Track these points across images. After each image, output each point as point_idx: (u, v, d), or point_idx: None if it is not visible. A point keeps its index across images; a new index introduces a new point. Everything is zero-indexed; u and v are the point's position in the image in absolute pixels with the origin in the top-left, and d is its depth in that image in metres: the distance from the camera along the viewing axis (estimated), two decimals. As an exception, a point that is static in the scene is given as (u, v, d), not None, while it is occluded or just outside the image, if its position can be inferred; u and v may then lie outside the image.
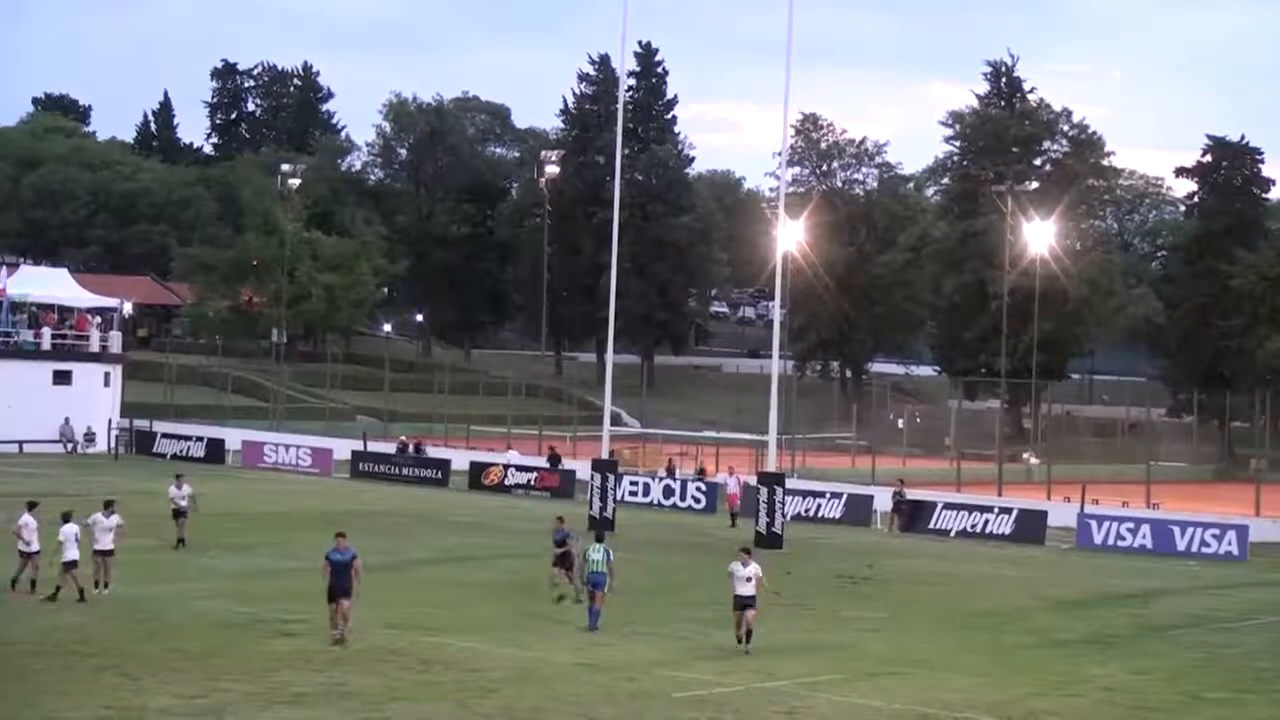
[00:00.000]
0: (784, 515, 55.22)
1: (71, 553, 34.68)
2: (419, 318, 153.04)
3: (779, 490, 55.23)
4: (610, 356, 64.58)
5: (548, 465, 74.38)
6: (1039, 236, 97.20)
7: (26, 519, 35.83)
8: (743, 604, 31.31)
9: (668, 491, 68.07)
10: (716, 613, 35.09)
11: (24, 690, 26.52)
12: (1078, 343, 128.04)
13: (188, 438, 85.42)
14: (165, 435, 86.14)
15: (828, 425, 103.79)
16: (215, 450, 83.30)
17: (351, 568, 30.39)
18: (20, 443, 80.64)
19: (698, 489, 67.54)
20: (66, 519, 35.34)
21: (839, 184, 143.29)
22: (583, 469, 66.17)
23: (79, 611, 34.01)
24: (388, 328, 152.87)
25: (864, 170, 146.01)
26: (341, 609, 30.11)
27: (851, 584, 44.47)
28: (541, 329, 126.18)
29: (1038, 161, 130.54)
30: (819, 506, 64.02)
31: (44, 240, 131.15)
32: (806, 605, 35.14)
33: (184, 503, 45.72)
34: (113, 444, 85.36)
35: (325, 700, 26.21)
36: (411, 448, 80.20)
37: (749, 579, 31.29)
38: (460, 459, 77.71)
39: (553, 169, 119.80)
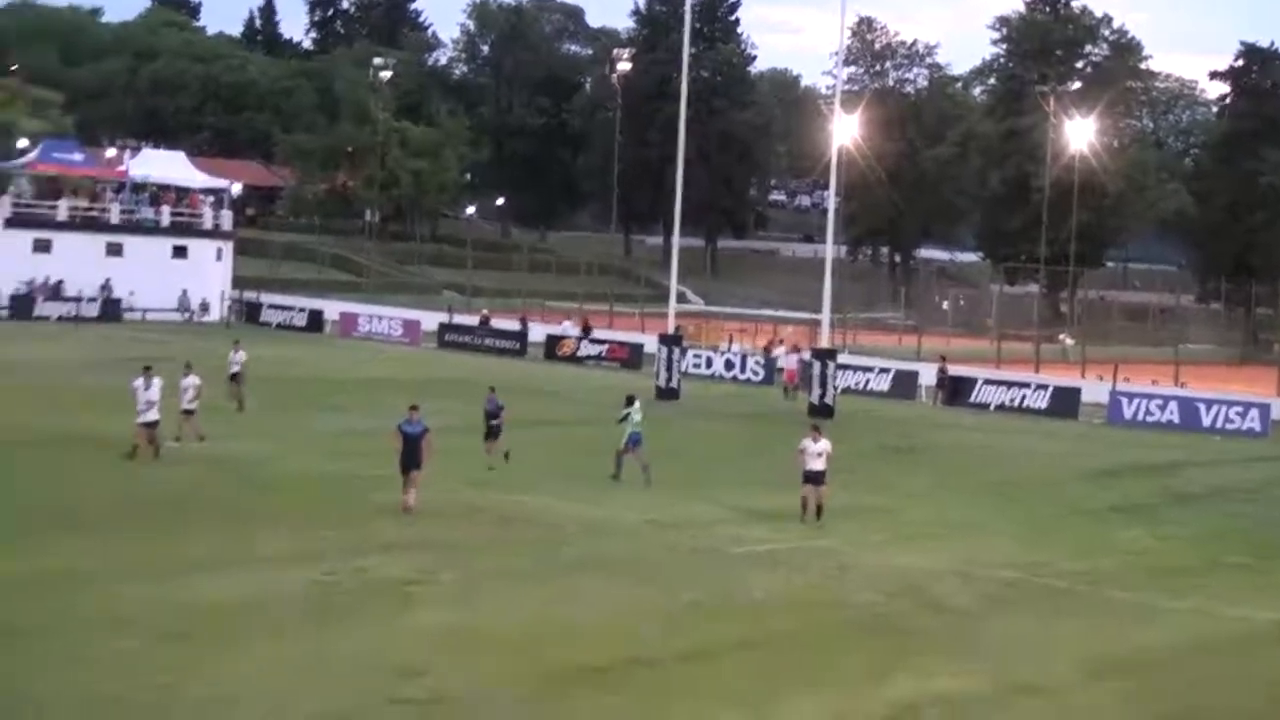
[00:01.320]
0: (835, 388, 55.31)
1: (152, 414, 34.63)
2: (499, 202, 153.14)
3: (831, 365, 55.34)
4: (676, 240, 64.29)
5: (581, 334, 75.65)
6: (1079, 134, 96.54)
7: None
8: (812, 479, 30.97)
9: (728, 365, 68.06)
10: (772, 477, 35.13)
11: (143, 535, 26.87)
12: (1114, 234, 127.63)
13: (291, 308, 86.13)
14: (271, 306, 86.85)
15: (877, 307, 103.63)
16: (315, 320, 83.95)
17: (422, 440, 29.76)
18: (144, 311, 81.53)
19: (756, 363, 67.55)
20: (148, 379, 35.23)
21: (891, 83, 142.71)
22: (650, 343, 66.37)
23: (188, 466, 34.33)
24: (470, 210, 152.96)
25: (915, 71, 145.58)
26: (412, 479, 29.59)
27: (896, 453, 44.41)
28: (612, 214, 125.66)
29: (1079, 64, 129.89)
30: (868, 381, 63.86)
31: (161, 127, 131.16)
32: (855, 472, 34.97)
33: (238, 368, 45.73)
34: (224, 313, 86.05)
35: (414, 550, 26.36)
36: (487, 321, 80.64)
37: (820, 454, 30.93)
38: (537, 331, 77.77)
39: (624, 66, 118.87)
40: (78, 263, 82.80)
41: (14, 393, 45.97)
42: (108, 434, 35.19)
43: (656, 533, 29.75)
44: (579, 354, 72.52)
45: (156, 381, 34.94)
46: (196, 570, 24.13)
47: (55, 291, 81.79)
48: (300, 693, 18.28)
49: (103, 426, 35.57)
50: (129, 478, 32.71)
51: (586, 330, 76.47)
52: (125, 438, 34.57)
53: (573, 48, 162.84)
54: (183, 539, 26.59)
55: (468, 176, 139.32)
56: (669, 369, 57.84)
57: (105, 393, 36.11)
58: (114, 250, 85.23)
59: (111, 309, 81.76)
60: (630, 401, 36.31)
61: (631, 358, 70.44)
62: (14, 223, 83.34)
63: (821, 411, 51.44)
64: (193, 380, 37.25)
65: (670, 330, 59.74)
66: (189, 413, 36.90)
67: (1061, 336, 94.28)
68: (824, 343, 57.50)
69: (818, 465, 30.77)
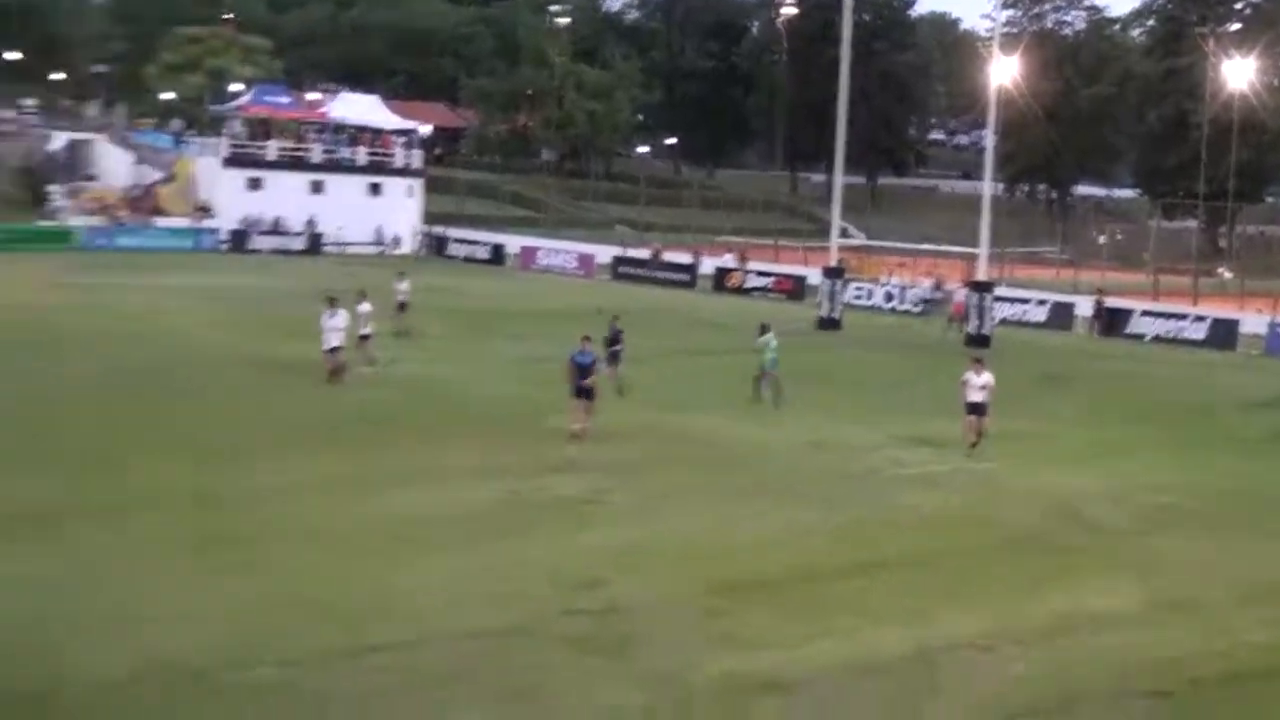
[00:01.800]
0: (992, 319, 54.71)
1: (335, 339, 35.12)
2: (670, 141, 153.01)
3: (988, 297, 54.74)
4: (839, 177, 63.61)
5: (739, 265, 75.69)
6: (1238, 73, 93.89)
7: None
8: (975, 410, 30.49)
9: (888, 297, 67.55)
10: (930, 404, 34.90)
11: (340, 453, 27.35)
12: (1273, 170, 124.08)
13: (475, 242, 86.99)
14: (457, 240, 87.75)
15: (1034, 242, 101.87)
16: (497, 254, 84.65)
17: (592, 370, 29.74)
18: (344, 244, 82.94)
19: (916, 295, 66.97)
20: (333, 310, 35.70)
21: (1049, 25, 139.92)
22: (813, 276, 66.11)
23: (381, 389, 34.83)
24: (643, 149, 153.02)
25: (1073, 13, 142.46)
26: (584, 405, 29.34)
27: (1052, 381, 43.75)
28: (778, 153, 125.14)
29: (1239, 5, 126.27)
30: (1025, 312, 63.00)
31: (358, 72, 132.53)
32: (1012, 399, 34.51)
33: (404, 297, 46.06)
34: (415, 247, 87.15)
35: (589, 470, 26.51)
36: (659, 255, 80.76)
37: (982, 387, 30.48)
38: (707, 265, 77.64)
39: (789, 9, 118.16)
40: (285, 199, 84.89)
41: (228, 319, 46.99)
42: (310, 359, 35.73)
43: (819, 454, 29.68)
44: (745, 286, 72.32)
45: (341, 312, 35.53)
46: (390, 485, 24.54)
47: (275, 227, 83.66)
48: (485, 599, 18.57)
49: (305, 351, 36.14)
50: (327, 400, 33.30)
51: (743, 262, 76.39)
52: (323, 363, 35.20)
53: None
54: (377, 457, 27.04)
55: (640, 117, 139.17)
56: (831, 300, 57.65)
57: (308, 320, 36.68)
58: (316, 188, 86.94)
59: (315, 243, 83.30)
60: (764, 330, 36.28)
61: (796, 289, 70.13)
62: (231, 162, 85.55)
63: (979, 342, 50.89)
64: (366, 308, 37.76)
65: (833, 264, 59.46)
66: (365, 338, 37.40)
67: (1220, 270, 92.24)
68: (981, 275, 56.75)
69: (979, 397, 30.30)
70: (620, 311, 39.96)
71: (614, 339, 36.21)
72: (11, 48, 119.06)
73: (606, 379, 34.87)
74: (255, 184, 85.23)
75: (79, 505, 22.29)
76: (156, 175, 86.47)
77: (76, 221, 79.23)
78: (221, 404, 32.09)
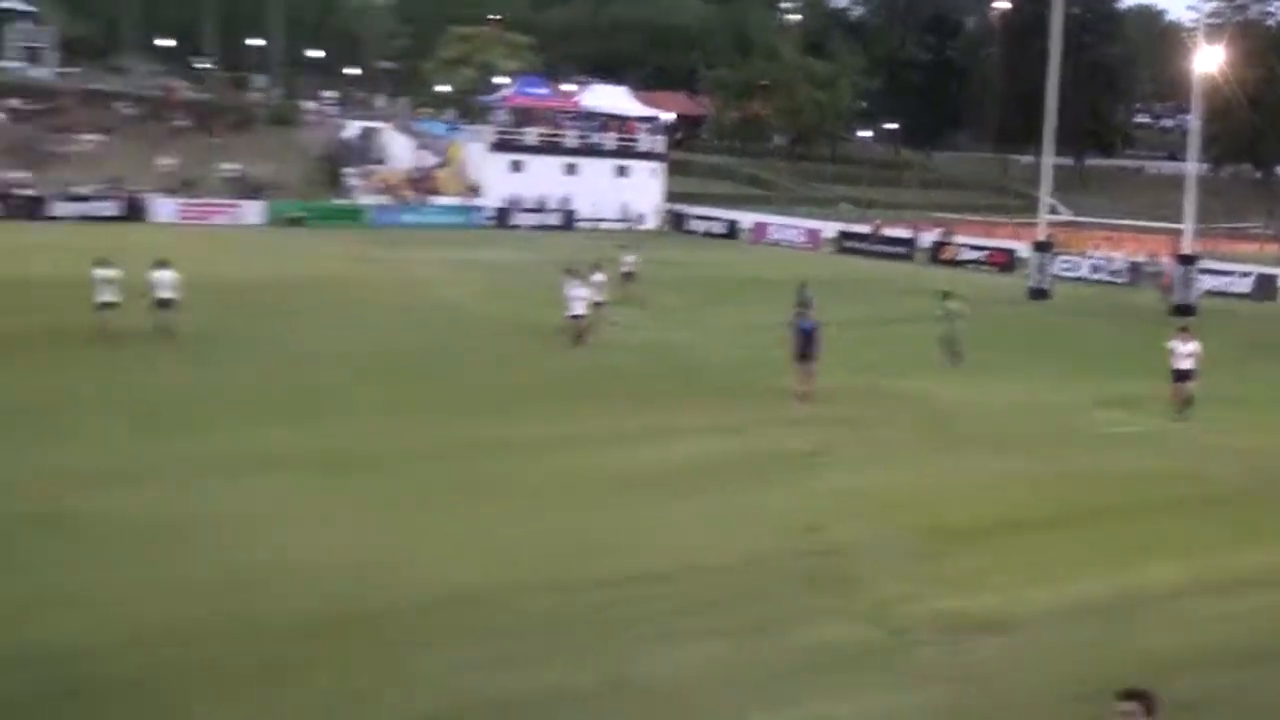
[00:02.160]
0: (1198, 290, 53.15)
1: (579, 307, 35.43)
2: (891, 126, 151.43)
3: (1193, 269, 53.23)
4: (1048, 159, 62.17)
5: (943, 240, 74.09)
6: None
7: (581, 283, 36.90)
8: (1181, 377, 29.48)
9: (1095, 269, 65.93)
10: (1136, 369, 34.00)
11: (586, 409, 27.65)
12: None
13: (711, 219, 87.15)
14: (695, 217, 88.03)
15: (1239, 219, 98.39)
16: (731, 229, 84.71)
17: (815, 334, 29.41)
18: (596, 220, 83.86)
19: (1121, 267, 65.29)
20: (572, 279, 36.13)
21: (1253, 16, 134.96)
22: (1023, 249, 64.96)
23: (622, 352, 35.08)
24: (866, 134, 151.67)
25: (1275, 5, 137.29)
26: (806, 369, 29.21)
27: (1256, 349, 42.20)
28: (991, 136, 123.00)
29: None
30: (1229, 284, 60.77)
31: (607, 64, 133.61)
32: (1217, 365, 33.29)
33: (630, 268, 46.03)
34: (658, 223, 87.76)
35: (814, 425, 26.52)
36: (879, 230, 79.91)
37: (1189, 355, 29.54)
38: (924, 239, 76.62)
39: (1003, 5, 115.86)
40: (543, 180, 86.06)
41: (494, 288, 47.83)
42: (559, 325, 36.19)
43: (1027, 414, 29.19)
44: (959, 259, 71.23)
45: (578, 281, 35.98)
46: (637, 439, 24.79)
47: (536, 205, 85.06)
48: (722, 540, 18.71)
49: (557, 318, 36.57)
50: (575, 362, 33.67)
51: (948, 236, 75.16)
52: (569, 328, 35.57)
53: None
54: (620, 413, 27.32)
55: (863, 104, 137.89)
56: (1040, 272, 56.60)
57: (559, 289, 37.18)
58: (570, 170, 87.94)
59: (568, 219, 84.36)
60: (946, 296, 35.85)
61: (1006, 262, 68.87)
62: (497, 147, 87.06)
63: (1184, 311, 49.39)
64: (599, 278, 37.95)
65: (1041, 238, 58.38)
66: (598, 305, 37.48)
67: None
68: (1186, 249, 55.01)
69: (1186, 364, 29.41)
70: (841, 281, 39.66)
71: (804, 303, 35.65)
72: (315, 47, 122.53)
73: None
74: (517, 166, 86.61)
75: (380, 451, 22.95)
76: (434, 159, 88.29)
77: (367, 200, 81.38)
78: (489, 365, 32.73)
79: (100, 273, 33.14)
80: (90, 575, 16.19)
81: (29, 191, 72.35)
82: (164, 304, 33.58)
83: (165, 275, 33.81)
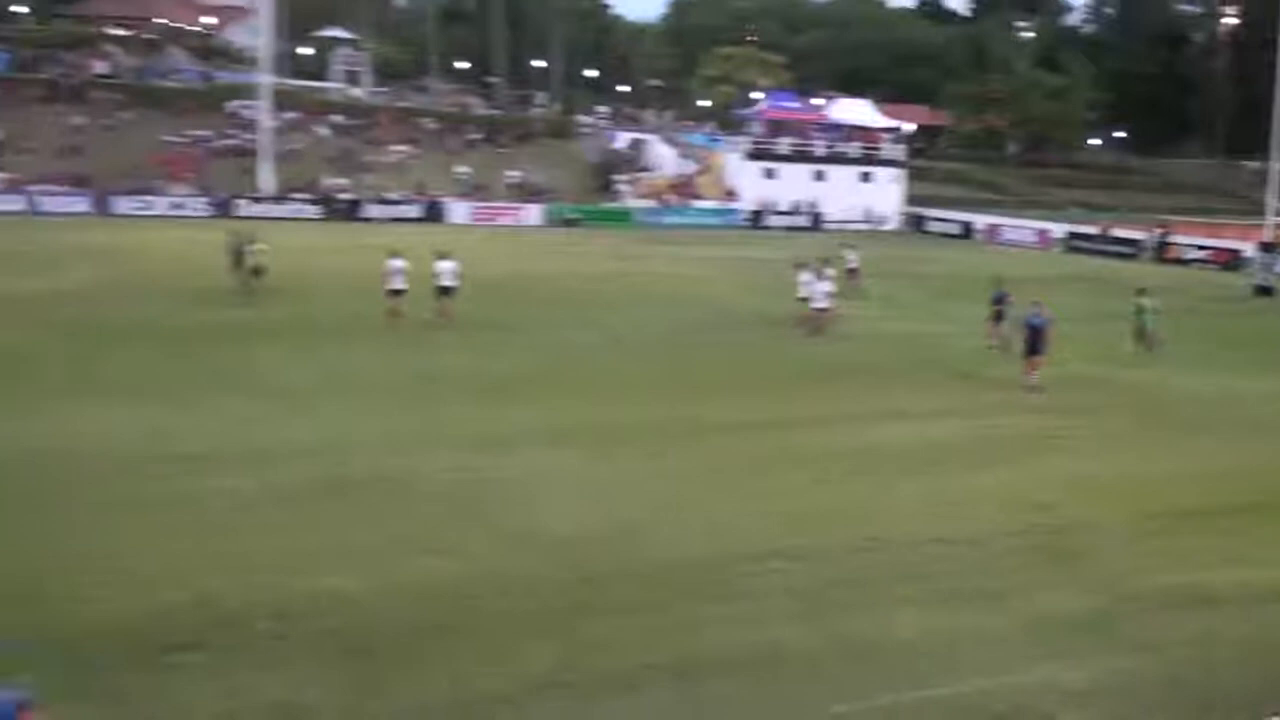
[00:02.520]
0: None
1: (822, 302, 35.14)
2: (1119, 134, 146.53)
3: None
4: (1275, 163, 59.60)
5: (1163, 239, 70.22)
6: None
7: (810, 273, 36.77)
8: None
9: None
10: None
11: (816, 394, 27.49)
12: None
13: (947, 220, 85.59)
14: (933, 219, 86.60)
15: None
16: (966, 230, 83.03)
17: (1045, 331, 28.43)
18: (841, 222, 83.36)
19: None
20: (801, 268, 36.26)
21: None
22: (1247, 249, 62.22)
23: (859, 342, 34.69)
24: (1095, 141, 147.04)
25: None
26: (1036, 363, 28.28)
27: None
28: (1216, 143, 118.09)
29: None
30: None
31: (853, 80, 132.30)
32: None
33: (854, 264, 45.11)
34: (899, 224, 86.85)
35: (1044, 412, 25.92)
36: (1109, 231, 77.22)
37: None
38: (1149, 239, 73.76)
39: (1229, 20, 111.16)
40: (793, 185, 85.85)
41: (746, 283, 47.85)
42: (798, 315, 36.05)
43: (1251, 404, 27.90)
44: (1185, 258, 68.46)
45: (806, 274, 35.95)
46: (872, 420, 24.54)
47: (788, 208, 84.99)
48: (955, 515, 18.40)
49: (800, 310, 36.40)
50: (817, 350, 33.37)
51: (1165, 235, 72.12)
52: (810, 319, 35.34)
53: (1183, 6, 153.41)
54: (861, 397, 27.03)
55: (1093, 114, 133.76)
56: (1266, 270, 54.17)
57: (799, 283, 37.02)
58: (818, 176, 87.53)
59: (816, 221, 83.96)
60: (1141, 293, 34.51)
61: (1229, 261, 65.93)
62: (752, 155, 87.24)
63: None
64: (805, 277, 37.35)
65: (1266, 239, 55.91)
66: (805, 300, 36.82)
67: None
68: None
69: None
70: (1071, 279, 38.55)
71: (999, 300, 34.87)
72: (591, 68, 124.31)
73: (988, 334, 34.05)
74: (770, 173, 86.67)
75: (644, 428, 23.18)
76: (694, 167, 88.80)
77: (634, 203, 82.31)
78: (742, 351, 32.73)
79: (392, 263, 34.20)
80: (369, 536, 16.59)
81: (348, 196, 75.19)
82: (445, 290, 34.54)
83: (446, 265, 34.73)
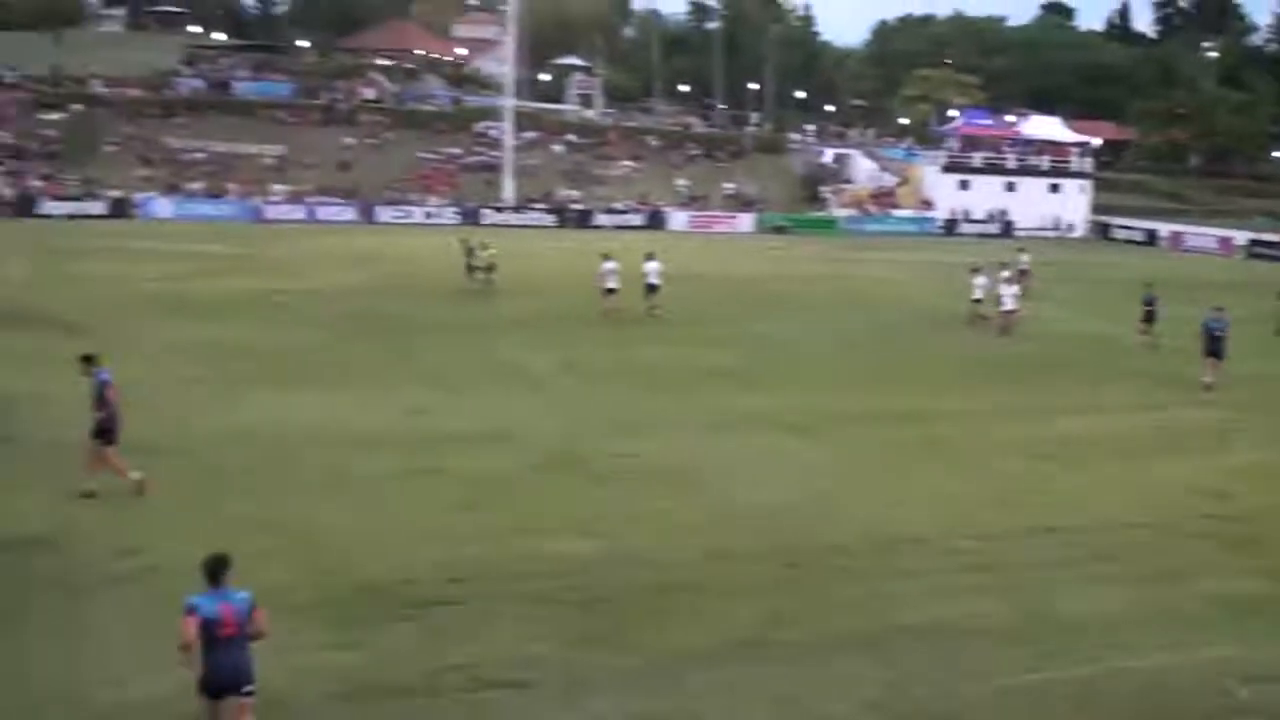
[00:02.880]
0: None
1: (1010, 304, 34.01)
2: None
3: None
4: None
5: None
6: None
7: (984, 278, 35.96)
8: None
9: None
10: None
11: (1011, 388, 26.74)
12: None
13: (1132, 228, 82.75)
14: (1118, 227, 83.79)
15: None
16: (1150, 237, 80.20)
17: (1224, 335, 27.01)
18: (1030, 230, 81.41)
19: None
20: (976, 275, 35.46)
21: None
22: None
23: (1041, 341, 33.67)
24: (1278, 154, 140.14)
25: None
26: (1214, 365, 26.83)
27: None
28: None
29: None
30: None
31: (1043, 98, 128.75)
32: None
33: (1025, 267, 43.16)
34: (1085, 232, 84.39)
35: (1222, 406, 24.94)
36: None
37: None
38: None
39: None
40: (985, 196, 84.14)
41: (938, 285, 46.97)
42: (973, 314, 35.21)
43: None
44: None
45: (982, 278, 35.34)
46: (1057, 413, 23.88)
47: (988, 217, 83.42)
48: (1136, 501, 17.86)
49: (987, 310, 35.53)
50: (1002, 347, 32.50)
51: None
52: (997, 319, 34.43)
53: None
54: (1043, 392, 26.34)
55: (1276, 128, 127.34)
56: None
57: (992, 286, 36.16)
58: (1009, 187, 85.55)
59: (1006, 229, 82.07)
60: None
61: None
62: (947, 169, 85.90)
63: None
64: (982, 280, 36.18)
65: None
66: (978, 301, 35.97)
67: None
68: None
69: None
70: (1249, 282, 36.78)
71: (1149, 302, 33.47)
72: (799, 89, 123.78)
73: (1140, 333, 32.78)
74: (964, 185, 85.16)
75: (840, 416, 22.98)
76: (893, 180, 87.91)
77: (838, 213, 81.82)
78: (934, 348, 32.15)
79: (606, 265, 34.53)
80: (600, 507, 16.76)
81: (579, 206, 76.33)
82: (651, 289, 34.89)
83: (652, 265, 35.04)
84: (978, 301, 35.78)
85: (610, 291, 34.21)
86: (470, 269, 39.28)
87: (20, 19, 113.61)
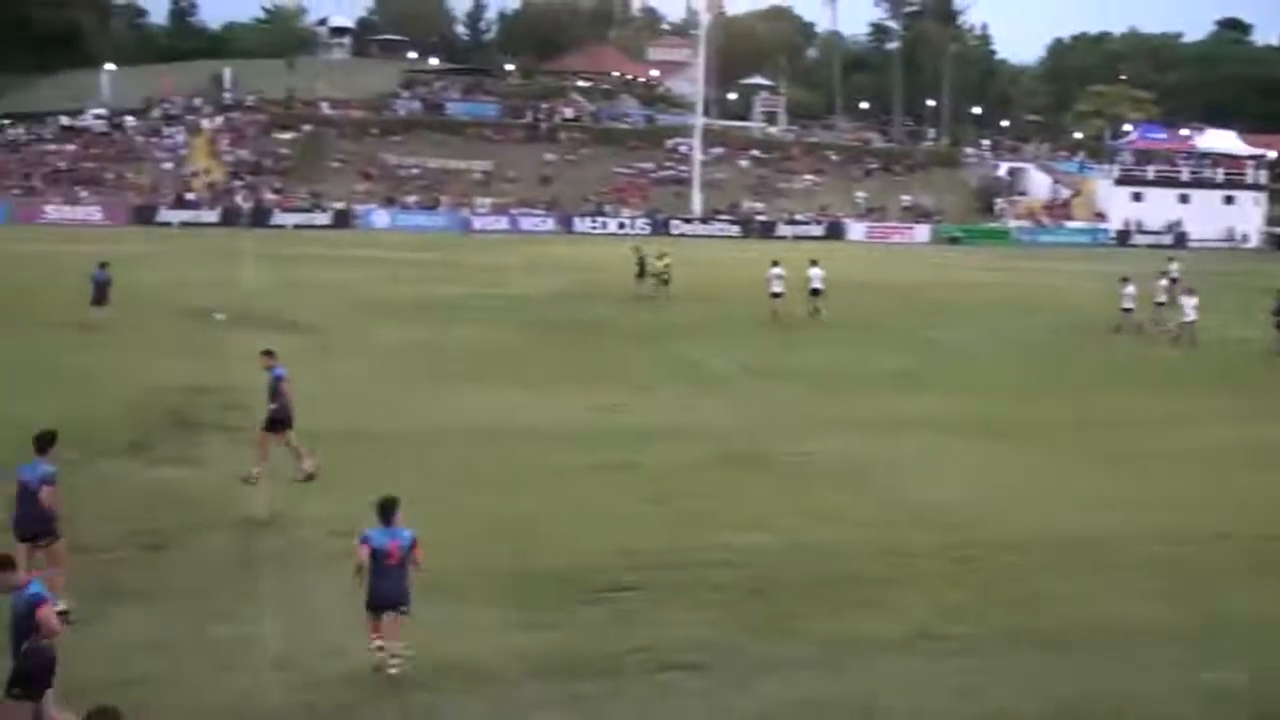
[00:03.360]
0: None
1: (1190, 315, 32.38)
2: None
3: None
4: None
5: None
6: None
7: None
8: None
9: None
10: None
11: (1175, 391, 25.64)
12: None
13: (1302, 239, 79.11)
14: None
15: None
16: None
17: None
18: (1203, 241, 78.18)
19: None
20: (1125, 284, 34.26)
21: None
22: None
23: (1195, 348, 31.98)
24: None
25: None
26: None
27: None
28: None
29: None
30: None
31: (1219, 112, 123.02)
32: None
33: (1175, 275, 40.61)
34: (1259, 242, 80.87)
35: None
36: None
37: None
38: None
39: None
40: (1158, 208, 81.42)
41: (1108, 294, 45.30)
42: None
43: None
44: None
45: (1131, 287, 34.22)
46: (1223, 419, 22.77)
47: (1165, 228, 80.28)
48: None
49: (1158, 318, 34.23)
50: (1173, 353, 31.24)
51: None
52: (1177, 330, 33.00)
53: None
54: (1207, 397, 25.24)
55: None
56: None
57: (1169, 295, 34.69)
58: (1183, 199, 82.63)
59: (1180, 240, 78.67)
60: None
61: None
62: (1120, 181, 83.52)
63: None
64: (1130, 290, 34.74)
65: None
66: (1128, 311, 34.56)
67: None
68: None
69: None
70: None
71: None
72: (975, 105, 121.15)
73: (1276, 340, 31.08)
74: (1137, 197, 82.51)
75: (1010, 419, 22.38)
76: (1066, 192, 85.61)
77: (1011, 224, 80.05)
78: (1099, 354, 31.09)
79: (773, 271, 34.67)
80: (776, 502, 16.57)
81: (763, 218, 76.10)
82: (814, 293, 34.94)
83: (815, 271, 35.16)
84: (1128, 311, 34.56)
85: (776, 295, 34.27)
86: (641, 275, 39.39)
87: (260, 49, 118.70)
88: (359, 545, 10.77)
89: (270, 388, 16.13)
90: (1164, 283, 35.76)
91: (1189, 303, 32.77)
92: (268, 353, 16.62)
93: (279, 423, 16.05)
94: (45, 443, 11.97)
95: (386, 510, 10.91)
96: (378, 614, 10.81)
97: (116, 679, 10.44)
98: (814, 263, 35.35)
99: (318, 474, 16.23)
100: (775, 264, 34.70)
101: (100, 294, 28.91)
